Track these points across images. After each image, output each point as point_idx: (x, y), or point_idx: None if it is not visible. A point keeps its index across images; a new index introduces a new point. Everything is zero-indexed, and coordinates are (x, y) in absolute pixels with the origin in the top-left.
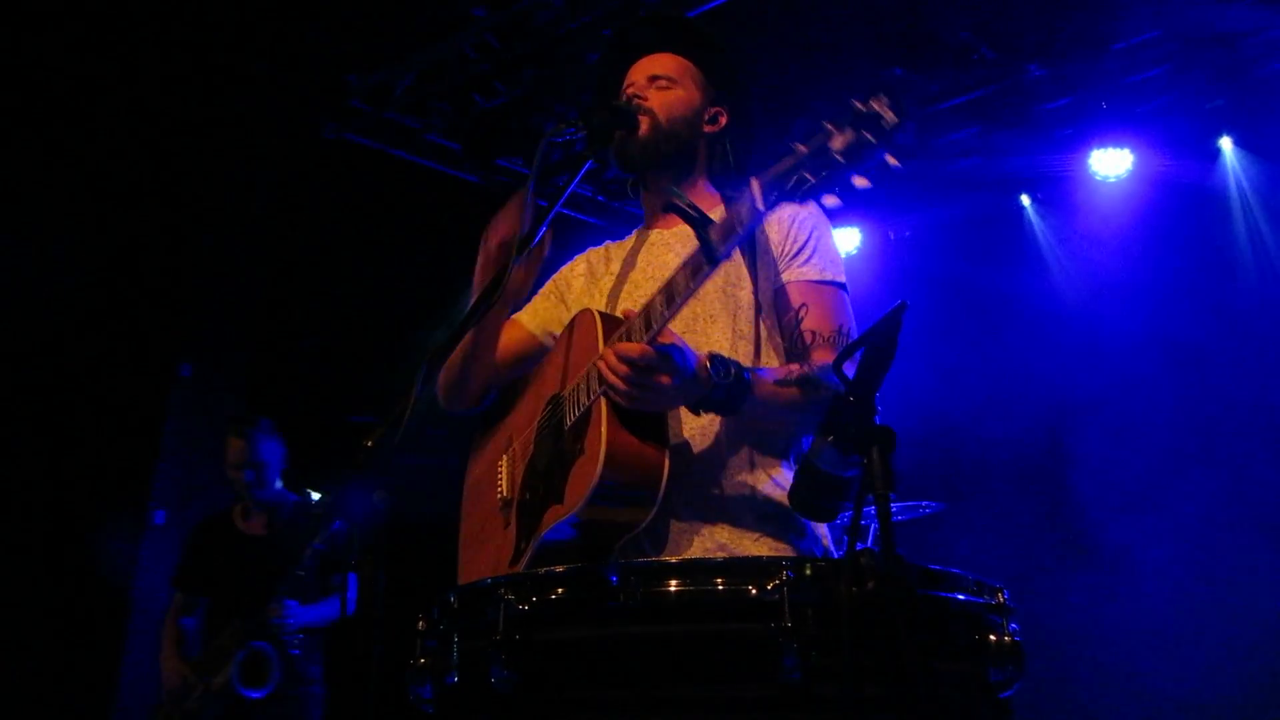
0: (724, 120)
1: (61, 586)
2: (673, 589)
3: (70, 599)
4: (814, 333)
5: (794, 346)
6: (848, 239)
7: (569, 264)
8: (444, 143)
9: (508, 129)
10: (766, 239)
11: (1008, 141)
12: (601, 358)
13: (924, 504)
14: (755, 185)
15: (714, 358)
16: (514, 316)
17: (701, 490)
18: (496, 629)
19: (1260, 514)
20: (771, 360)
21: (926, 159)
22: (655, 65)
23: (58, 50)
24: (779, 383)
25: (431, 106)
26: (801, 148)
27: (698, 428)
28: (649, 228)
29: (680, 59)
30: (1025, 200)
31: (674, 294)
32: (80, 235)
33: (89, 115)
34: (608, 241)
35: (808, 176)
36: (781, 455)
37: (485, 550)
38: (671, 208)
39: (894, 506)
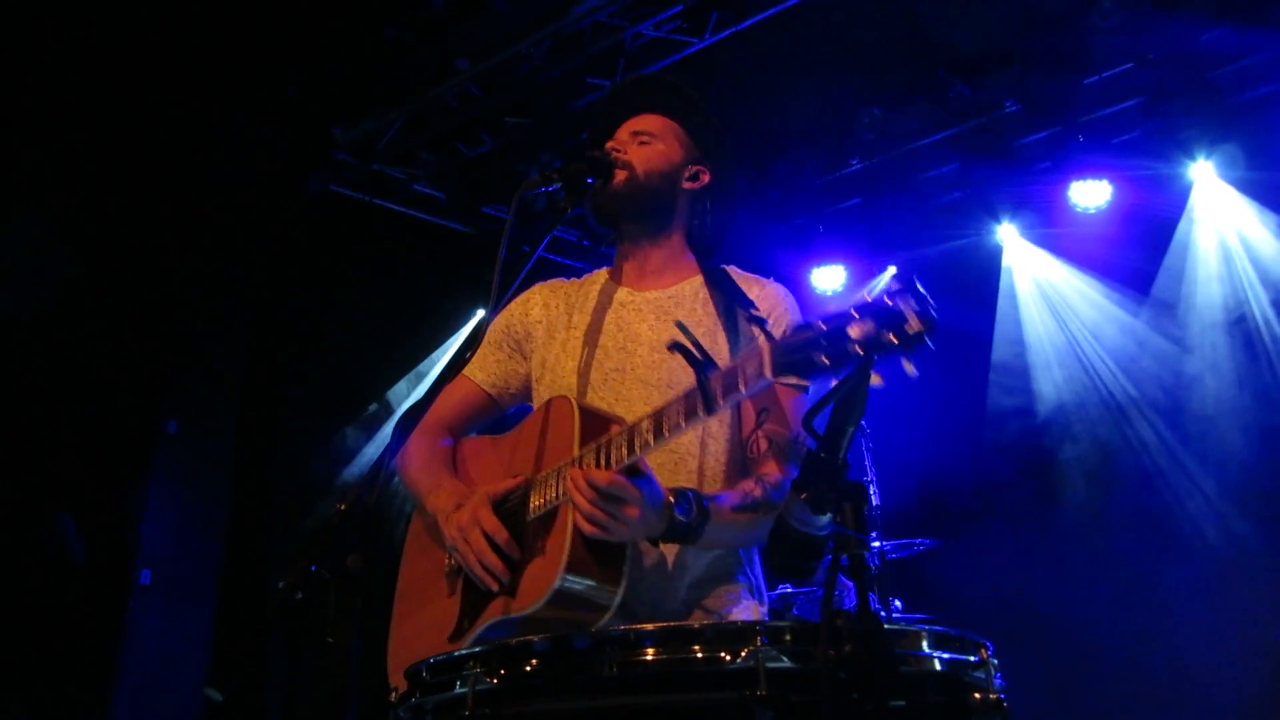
0: (705, 179)
1: (48, 651)
2: (649, 658)
3: (56, 662)
4: (771, 440)
5: (750, 450)
6: (833, 277)
7: (519, 306)
8: (430, 192)
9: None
10: (747, 328)
11: (988, 176)
12: (571, 474)
13: (918, 541)
14: (766, 350)
15: (679, 494)
16: (464, 371)
17: (658, 592)
18: (465, 705)
19: (1256, 547)
20: (737, 457)
21: (909, 194)
22: (639, 123)
23: (43, 103)
24: (736, 509)
25: (417, 156)
26: (822, 325)
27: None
28: (619, 283)
29: (665, 119)
30: (1008, 233)
31: (663, 427)
32: (65, 291)
33: (74, 169)
34: (559, 279)
35: (822, 359)
36: (738, 562)
37: (424, 612)
38: (677, 347)
39: (888, 545)
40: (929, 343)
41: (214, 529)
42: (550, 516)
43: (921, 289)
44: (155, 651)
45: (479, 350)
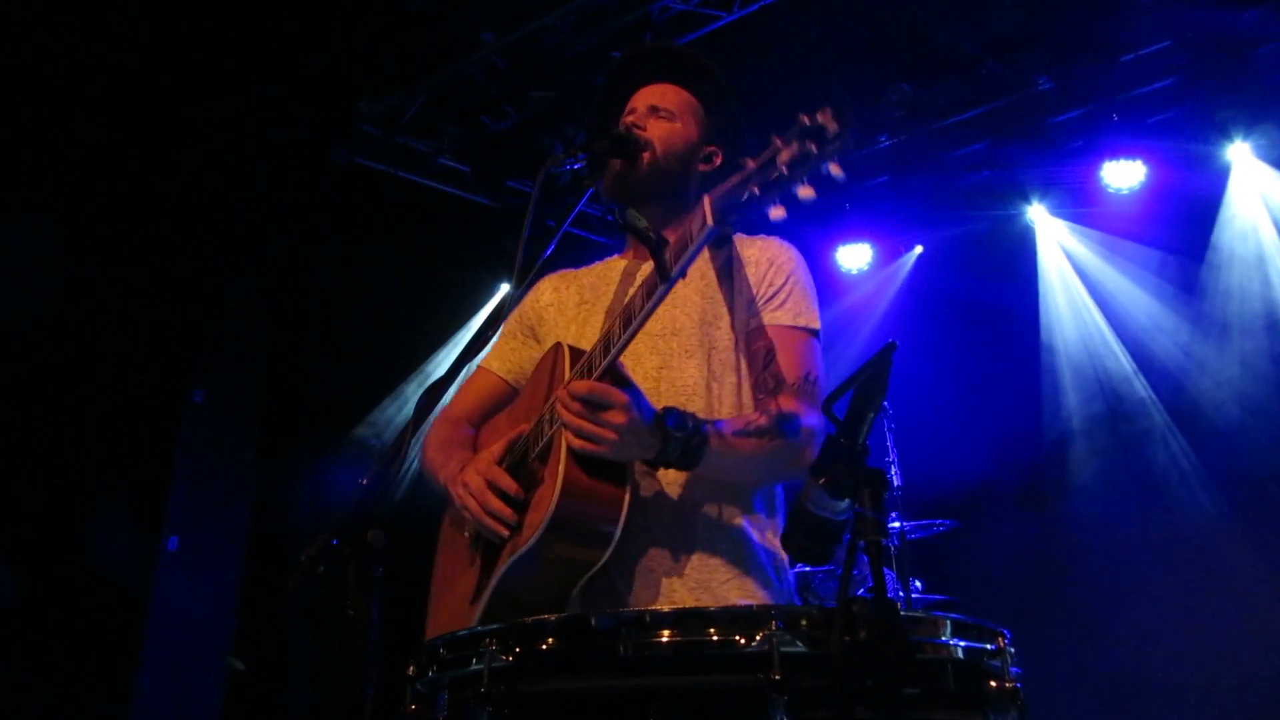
0: (718, 160)
1: (75, 616)
2: (664, 639)
3: (84, 628)
4: (778, 378)
5: (759, 391)
6: (859, 255)
7: (530, 296)
8: (455, 165)
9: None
10: (745, 279)
11: (1018, 155)
12: (557, 394)
13: (938, 522)
14: (706, 201)
15: (669, 410)
16: (482, 363)
17: (669, 527)
18: (481, 680)
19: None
20: (748, 401)
21: (937, 173)
22: (658, 95)
23: (69, 77)
24: (738, 434)
25: (442, 129)
26: (750, 163)
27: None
28: (626, 258)
29: (683, 92)
30: (1038, 214)
31: (631, 316)
32: (92, 263)
33: (101, 144)
34: (567, 269)
35: (755, 190)
36: (751, 498)
37: (453, 591)
38: (629, 229)
39: (908, 525)
40: (850, 141)
41: (240, 497)
42: (548, 451)
43: (836, 98)
44: (181, 616)
45: (495, 343)
